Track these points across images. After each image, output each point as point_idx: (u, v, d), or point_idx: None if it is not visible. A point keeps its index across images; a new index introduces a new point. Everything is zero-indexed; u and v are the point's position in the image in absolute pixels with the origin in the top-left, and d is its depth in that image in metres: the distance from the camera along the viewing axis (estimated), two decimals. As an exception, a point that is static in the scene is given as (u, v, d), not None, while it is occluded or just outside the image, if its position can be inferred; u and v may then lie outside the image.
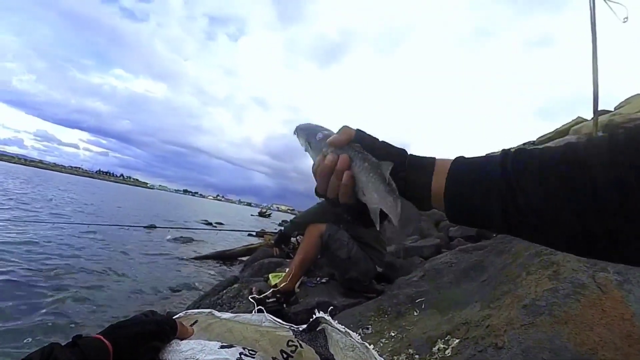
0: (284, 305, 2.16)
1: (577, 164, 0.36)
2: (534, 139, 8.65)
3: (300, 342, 0.65)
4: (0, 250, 4.64)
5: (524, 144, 9.67)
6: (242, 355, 0.54)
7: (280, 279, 2.41)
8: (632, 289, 1.21)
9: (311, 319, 0.62)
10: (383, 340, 1.55)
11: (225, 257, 6.68)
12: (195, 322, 0.63)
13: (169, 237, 8.59)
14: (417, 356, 1.31)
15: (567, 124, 7.71)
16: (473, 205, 0.44)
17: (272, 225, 20.51)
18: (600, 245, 0.35)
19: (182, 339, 0.55)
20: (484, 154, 0.49)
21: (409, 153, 0.51)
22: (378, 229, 0.51)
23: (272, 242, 4.21)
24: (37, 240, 5.66)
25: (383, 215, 0.50)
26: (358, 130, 0.52)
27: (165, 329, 0.53)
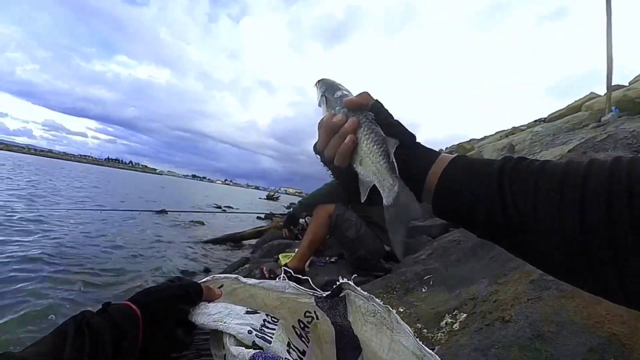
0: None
1: (574, 186, 0.34)
2: (545, 116, 8.47)
3: (317, 313, 0.67)
4: (25, 235, 4.81)
5: (535, 121, 9.47)
6: (266, 322, 0.55)
7: (290, 259, 2.46)
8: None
9: (335, 285, 0.63)
10: (392, 316, 1.58)
11: (235, 240, 6.80)
12: (221, 286, 0.65)
13: (180, 221, 8.75)
14: (425, 330, 1.35)
15: (579, 99, 7.51)
16: (461, 200, 0.43)
17: (280, 208, 20.70)
18: (579, 271, 0.34)
19: (209, 302, 0.56)
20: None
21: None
22: (362, 201, 0.50)
23: (281, 224, 4.27)
24: (50, 225, 5.84)
25: (377, 194, 0.48)
26: (376, 101, 0.51)
27: (191, 293, 0.54)
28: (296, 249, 2.64)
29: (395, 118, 0.51)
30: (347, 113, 0.50)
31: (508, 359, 0.98)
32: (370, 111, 0.50)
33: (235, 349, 0.46)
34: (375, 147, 0.47)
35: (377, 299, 0.58)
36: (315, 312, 0.69)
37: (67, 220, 6.57)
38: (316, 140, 0.53)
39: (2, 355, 0.33)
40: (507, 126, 10.72)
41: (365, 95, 0.51)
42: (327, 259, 2.73)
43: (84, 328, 0.40)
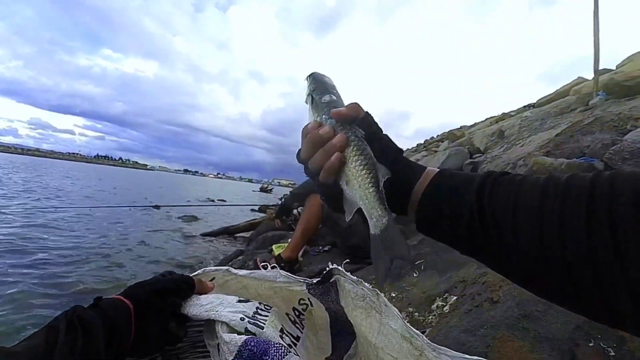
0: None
1: (553, 198, 0.33)
2: (534, 102, 8.53)
3: (311, 299, 0.68)
4: (21, 235, 4.75)
5: (524, 106, 9.54)
6: (259, 310, 0.55)
7: (283, 249, 2.47)
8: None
9: (324, 271, 0.63)
10: (384, 301, 1.60)
11: (229, 232, 6.80)
12: (213, 279, 0.65)
13: (172, 216, 8.70)
14: (416, 314, 1.37)
15: (567, 84, 7.57)
16: (442, 214, 0.42)
17: (274, 200, 20.71)
18: (555, 284, 0.33)
19: (201, 294, 0.56)
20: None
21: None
22: (347, 220, 0.48)
23: (274, 215, 4.27)
24: (49, 224, 5.76)
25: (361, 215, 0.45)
26: (367, 114, 0.48)
27: (183, 285, 0.54)
28: (290, 240, 2.65)
29: (384, 132, 0.49)
30: (334, 125, 0.47)
31: (496, 338, 1.00)
32: (360, 124, 0.47)
33: (227, 336, 0.46)
34: (364, 171, 0.44)
35: (365, 283, 0.58)
36: (309, 299, 0.69)
37: (62, 219, 6.50)
38: (299, 147, 0.49)
39: None
40: (497, 112, 10.79)
41: (355, 106, 0.48)
42: (320, 248, 2.75)
43: (76, 322, 0.40)
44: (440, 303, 1.35)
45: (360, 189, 0.44)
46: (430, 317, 1.32)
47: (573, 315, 0.99)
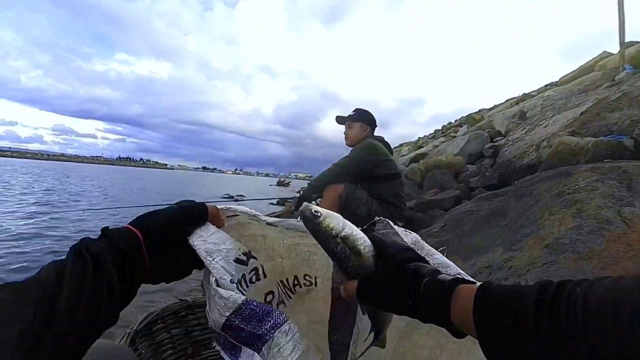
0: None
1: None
2: (557, 80, 8.19)
3: (318, 280, 0.70)
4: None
5: (546, 85, 9.17)
6: (245, 277, 0.59)
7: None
8: (660, 219, 1.18)
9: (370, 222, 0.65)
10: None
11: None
12: (237, 215, 0.64)
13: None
14: (441, 300, 1.36)
15: (591, 60, 7.22)
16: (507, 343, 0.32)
17: (292, 193, 20.83)
18: None
19: (214, 225, 0.55)
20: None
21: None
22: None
23: (293, 208, 4.29)
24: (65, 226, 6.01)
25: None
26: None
27: (195, 214, 0.53)
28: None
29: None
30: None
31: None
32: None
33: (225, 292, 0.47)
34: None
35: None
36: (316, 278, 0.71)
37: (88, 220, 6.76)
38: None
39: (3, 285, 0.34)
40: (518, 93, 10.42)
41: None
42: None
43: (85, 252, 0.39)
44: (465, 289, 1.34)
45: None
46: (455, 303, 1.30)
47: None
